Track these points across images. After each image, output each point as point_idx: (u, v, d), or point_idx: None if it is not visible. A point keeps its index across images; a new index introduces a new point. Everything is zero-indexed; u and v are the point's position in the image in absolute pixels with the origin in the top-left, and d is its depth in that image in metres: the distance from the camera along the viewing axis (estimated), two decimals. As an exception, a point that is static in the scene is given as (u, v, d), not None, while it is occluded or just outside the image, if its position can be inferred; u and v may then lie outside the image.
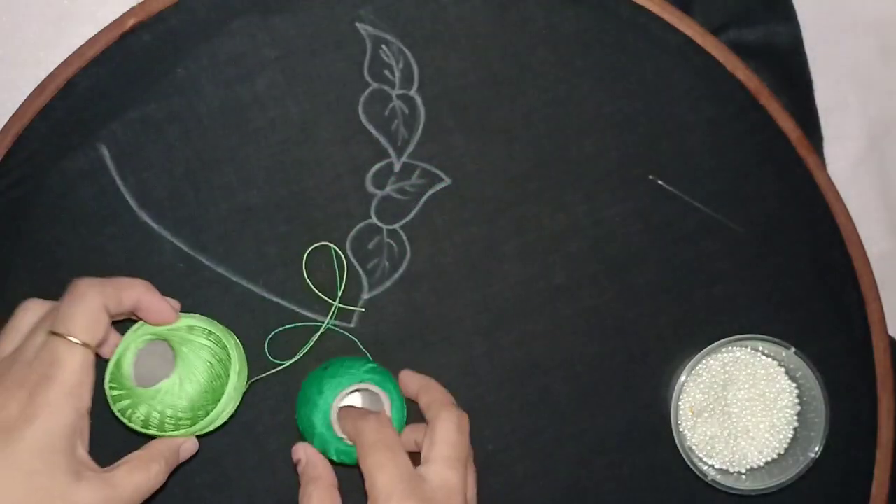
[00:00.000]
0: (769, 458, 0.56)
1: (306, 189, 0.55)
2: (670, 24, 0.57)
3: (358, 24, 0.55)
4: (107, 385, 0.49)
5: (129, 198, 0.54)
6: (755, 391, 0.56)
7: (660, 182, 0.57)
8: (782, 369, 0.56)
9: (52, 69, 0.54)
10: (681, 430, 0.55)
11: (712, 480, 0.54)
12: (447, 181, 0.56)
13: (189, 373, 0.48)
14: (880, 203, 0.67)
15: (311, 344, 0.55)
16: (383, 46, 0.56)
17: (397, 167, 0.56)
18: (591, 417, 0.56)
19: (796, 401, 0.56)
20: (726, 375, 0.56)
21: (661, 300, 0.57)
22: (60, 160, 0.54)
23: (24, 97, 0.53)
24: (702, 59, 0.57)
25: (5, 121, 0.54)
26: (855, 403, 0.57)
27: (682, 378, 0.54)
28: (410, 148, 0.56)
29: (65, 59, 0.54)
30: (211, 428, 0.50)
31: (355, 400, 0.53)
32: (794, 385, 0.56)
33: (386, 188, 0.56)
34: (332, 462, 0.51)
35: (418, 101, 0.56)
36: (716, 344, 0.55)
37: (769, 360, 0.56)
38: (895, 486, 0.58)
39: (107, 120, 0.54)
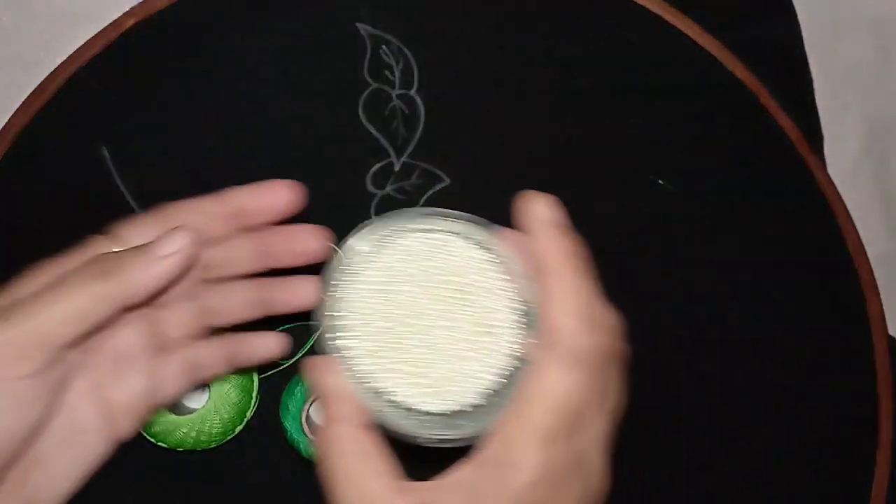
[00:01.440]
0: (489, 390, 0.40)
1: (306, 188, 0.55)
2: (670, 24, 0.57)
3: (358, 24, 0.55)
4: None
5: (129, 198, 0.54)
6: (459, 295, 0.41)
7: (660, 182, 0.57)
8: (492, 258, 0.42)
9: (52, 69, 0.54)
10: (364, 377, 0.40)
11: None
12: (447, 181, 0.56)
13: (222, 400, 0.51)
14: (880, 203, 0.67)
15: (311, 344, 0.55)
16: (383, 46, 0.56)
17: (397, 167, 0.56)
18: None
19: (518, 304, 0.41)
20: (407, 274, 0.41)
21: (661, 300, 0.57)
22: (60, 160, 0.54)
23: (24, 97, 0.53)
24: (702, 59, 0.57)
25: (5, 121, 0.54)
26: (855, 403, 0.57)
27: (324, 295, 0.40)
28: (410, 148, 0.56)
29: (65, 59, 0.54)
30: (232, 435, 0.53)
31: None
32: (510, 283, 0.41)
33: (386, 188, 0.56)
34: (303, 458, 0.52)
35: (418, 101, 0.56)
36: (363, 228, 0.41)
37: (474, 246, 0.42)
38: (895, 485, 0.58)
39: (107, 120, 0.54)
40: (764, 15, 0.67)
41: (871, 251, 0.58)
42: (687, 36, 0.57)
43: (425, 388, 0.40)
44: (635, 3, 0.56)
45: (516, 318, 0.41)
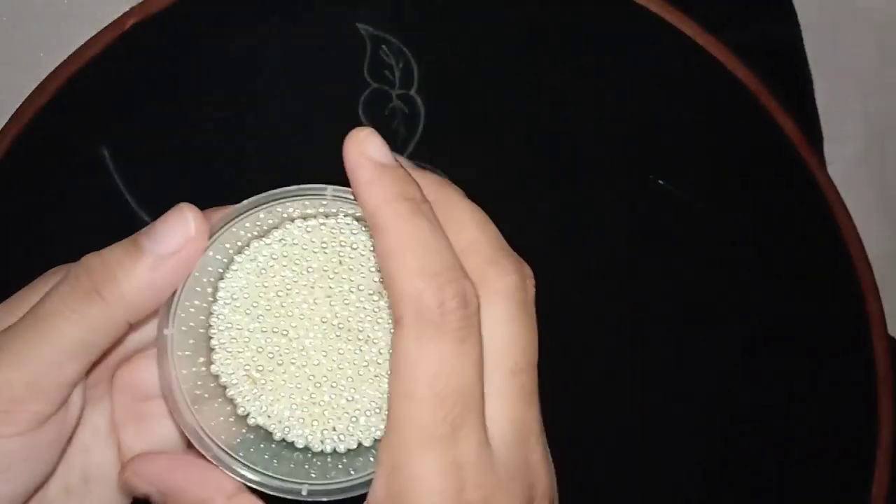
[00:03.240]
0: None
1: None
2: (670, 24, 0.57)
3: (358, 24, 0.55)
4: None
5: (129, 198, 0.54)
6: (361, 298, 0.33)
7: (660, 182, 0.57)
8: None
9: (52, 69, 0.54)
10: (238, 405, 0.32)
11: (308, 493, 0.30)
12: (447, 181, 0.56)
13: None
14: (880, 203, 0.67)
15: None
16: (383, 46, 0.56)
17: (397, 167, 0.56)
18: (591, 418, 0.56)
19: None
20: (281, 294, 0.33)
21: (662, 300, 0.57)
22: (60, 160, 0.54)
23: (24, 97, 0.53)
24: (702, 59, 0.57)
25: (5, 121, 0.54)
26: (855, 404, 0.57)
27: (169, 329, 0.30)
28: (410, 148, 0.56)
29: (65, 59, 0.54)
30: None
31: None
32: None
33: (386, 188, 0.56)
34: None
35: (418, 101, 0.56)
36: (234, 216, 0.32)
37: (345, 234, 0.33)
38: (895, 486, 0.58)
39: (107, 120, 0.54)
40: (764, 15, 0.67)
41: (871, 251, 0.58)
42: (687, 36, 0.57)
43: (317, 420, 0.32)
44: (635, 2, 0.56)
45: None
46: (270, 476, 0.30)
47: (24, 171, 0.54)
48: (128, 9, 0.54)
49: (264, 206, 0.31)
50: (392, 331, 0.28)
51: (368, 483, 0.28)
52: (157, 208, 0.54)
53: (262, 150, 0.55)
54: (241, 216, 0.32)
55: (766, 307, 0.57)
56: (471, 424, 0.26)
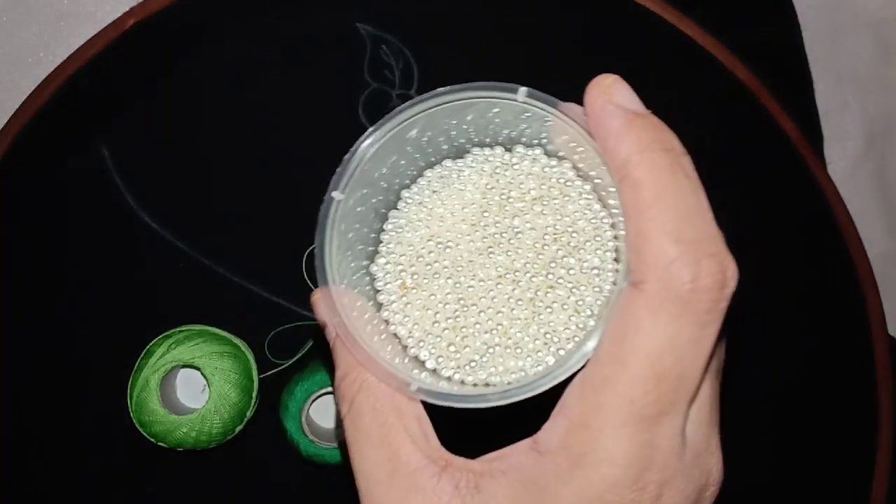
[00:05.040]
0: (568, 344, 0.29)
1: (306, 188, 0.55)
2: (670, 24, 0.57)
3: (358, 24, 0.55)
4: (132, 412, 0.51)
5: (129, 198, 0.54)
6: (530, 228, 0.30)
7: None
8: (570, 171, 0.31)
9: (52, 69, 0.54)
10: (383, 308, 0.31)
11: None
12: (447, 181, 0.56)
13: (222, 400, 0.51)
14: (880, 203, 0.67)
15: (310, 344, 0.55)
16: (383, 46, 0.56)
17: (397, 167, 0.56)
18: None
19: (609, 225, 0.30)
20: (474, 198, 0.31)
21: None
22: (60, 160, 0.54)
23: (24, 97, 0.53)
24: (702, 59, 0.57)
25: (5, 121, 0.54)
26: (855, 403, 0.57)
27: (338, 193, 0.30)
28: (410, 148, 0.56)
29: (65, 59, 0.54)
30: (232, 435, 0.53)
31: (327, 403, 0.53)
32: (591, 193, 0.31)
33: (386, 188, 0.56)
34: (302, 458, 0.52)
35: (418, 101, 0.56)
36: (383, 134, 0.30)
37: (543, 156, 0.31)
38: (895, 485, 0.58)
39: (107, 120, 0.54)
40: (764, 15, 0.67)
41: (871, 251, 0.58)
42: (687, 36, 0.57)
43: (454, 345, 0.30)
44: (636, 3, 0.56)
45: (610, 256, 0.29)
46: (384, 362, 0.28)
47: (25, 171, 0.54)
48: (128, 9, 0.54)
49: (450, 97, 0.30)
50: (617, 283, 0.26)
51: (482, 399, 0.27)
52: (157, 208, 0.55)
53: (262, 150, 0.55)
54: (425, 107, 0.31)
55: (765, 307, 0.57)
56: (677, 412, 0.24)
